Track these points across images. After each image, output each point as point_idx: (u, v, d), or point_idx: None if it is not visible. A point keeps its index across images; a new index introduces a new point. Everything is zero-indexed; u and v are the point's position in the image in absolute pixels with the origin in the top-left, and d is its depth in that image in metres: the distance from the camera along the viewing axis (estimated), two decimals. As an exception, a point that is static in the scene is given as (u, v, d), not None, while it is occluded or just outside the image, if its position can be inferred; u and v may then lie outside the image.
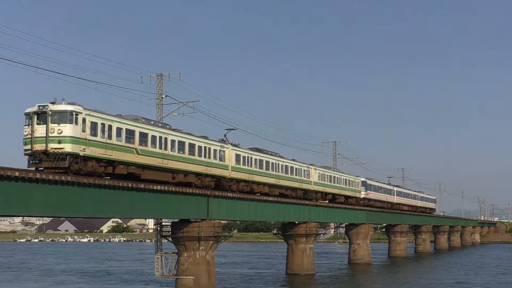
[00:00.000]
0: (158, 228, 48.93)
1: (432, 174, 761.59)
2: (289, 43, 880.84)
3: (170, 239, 47.64)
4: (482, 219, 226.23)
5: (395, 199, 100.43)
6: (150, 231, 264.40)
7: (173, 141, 41.56)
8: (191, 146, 43.72)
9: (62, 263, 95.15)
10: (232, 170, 49.15)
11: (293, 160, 62.09)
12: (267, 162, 55.06)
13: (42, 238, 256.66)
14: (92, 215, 38.25)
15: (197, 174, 44.60)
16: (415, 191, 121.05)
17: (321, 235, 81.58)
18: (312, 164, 65.67)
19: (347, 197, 77.54)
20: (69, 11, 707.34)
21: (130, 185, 37.40)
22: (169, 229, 47.85)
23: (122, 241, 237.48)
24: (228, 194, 49.06)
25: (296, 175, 61.11)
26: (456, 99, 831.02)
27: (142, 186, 38.62)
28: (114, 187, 36.45)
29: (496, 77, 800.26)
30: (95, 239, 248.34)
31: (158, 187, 40.24)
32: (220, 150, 47.65)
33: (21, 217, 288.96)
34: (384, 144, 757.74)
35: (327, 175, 69.93)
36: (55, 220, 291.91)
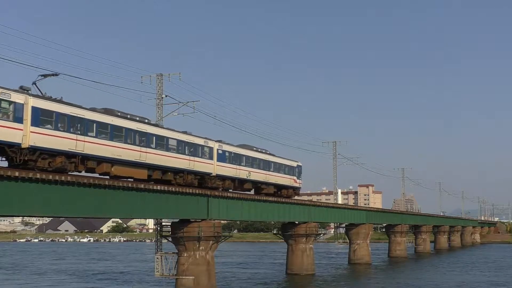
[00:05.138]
0: (158, 228, 48.97)
1: (432, 174, 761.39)
2: (289, 42, 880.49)
3: (170, 239, 47.65)
4: (482, 219, 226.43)
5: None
6: (150, 231, 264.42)
7: None
8: None
9: (62, 263, 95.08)
10: None
11: None
12: None
13: (42, 238, 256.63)
14: (92, 215, 38.21)
15: None
16: (217, 141, 48.06)
17: (321, 235, 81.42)
18: None
19: None
20: (69, 11, 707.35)
21: (130, 185, 37.40)
22: (169, 229, 47.86)
23: (122, 241, 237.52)
24: (228, 194, 49.06)
25: None
26: (457, 99, 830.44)
27: (142, 186, 38.61)
28: (114, 187, 36.44)
29: (496, 77, 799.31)
30: (95, 239, 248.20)
31: (158, 187, 40.23)
32: None
33: (21, 217, 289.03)
34: (384, 144, 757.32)
35: None
36: (55, 220, 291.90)
